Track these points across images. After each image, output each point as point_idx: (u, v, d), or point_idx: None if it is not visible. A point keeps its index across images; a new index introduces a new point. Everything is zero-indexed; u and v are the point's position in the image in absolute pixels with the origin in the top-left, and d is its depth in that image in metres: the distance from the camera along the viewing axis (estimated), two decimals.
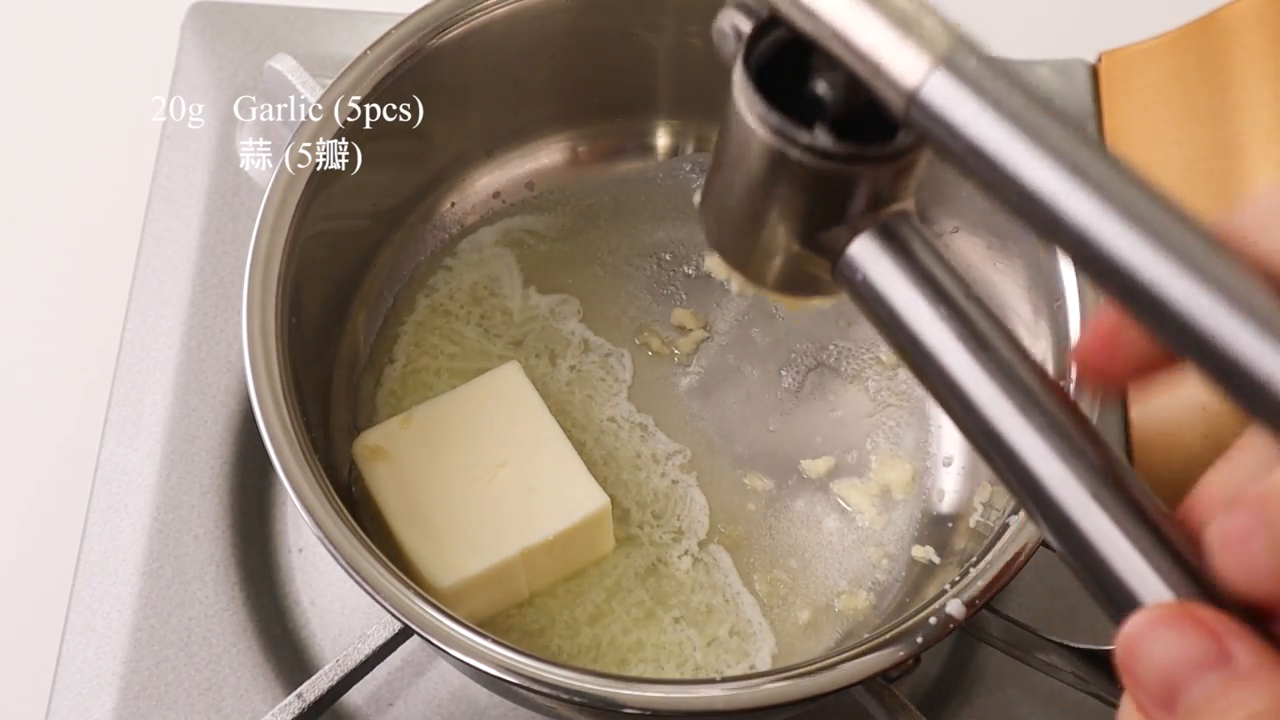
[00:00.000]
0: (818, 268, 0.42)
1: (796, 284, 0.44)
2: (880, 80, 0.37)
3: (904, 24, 0.36)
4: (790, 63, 0.40)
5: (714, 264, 0.46)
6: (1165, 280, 0.32)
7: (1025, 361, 0.38)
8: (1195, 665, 0.32)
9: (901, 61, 0.36)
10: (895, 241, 0.40)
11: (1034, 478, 0.36)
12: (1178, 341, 0.32)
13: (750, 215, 0.42)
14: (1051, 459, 0.36)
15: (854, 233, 0.40)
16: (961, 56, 0.36)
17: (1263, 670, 0.31)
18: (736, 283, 0.45)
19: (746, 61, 0.40)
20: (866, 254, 0.40)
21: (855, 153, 0.39)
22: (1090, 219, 0.33)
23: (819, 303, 0.45)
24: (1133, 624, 0.33)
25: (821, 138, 0.39)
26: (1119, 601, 0.34)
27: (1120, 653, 0.33)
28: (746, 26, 0.40)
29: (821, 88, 0.40)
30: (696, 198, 0.46)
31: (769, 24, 0.40)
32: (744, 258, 0.44)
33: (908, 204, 0.41)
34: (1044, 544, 0.55)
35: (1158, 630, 0.33)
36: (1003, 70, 0.36)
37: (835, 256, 0.41)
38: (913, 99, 0.36)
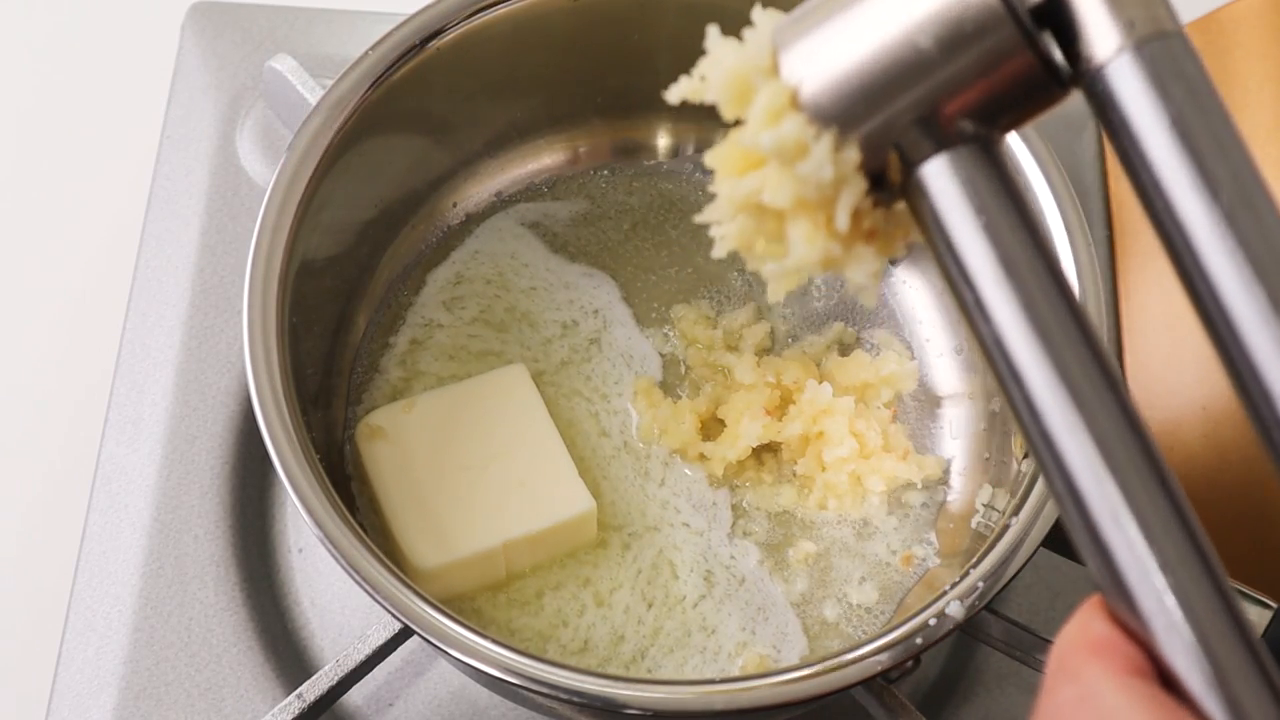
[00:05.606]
0: (891, 172, 0.39)
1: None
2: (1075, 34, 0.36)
3: None
4: None
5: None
6: None
7: (1078, 337, 0.37)
8: None
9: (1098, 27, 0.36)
10: (971, 173, 0.38)
11: (1081, 497, 0.36)
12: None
13: (883, 68, 0.38)
14: (1101, 471, 0.36)
15: (938, 147, 0.38)
16: (1158, 46, 0.36)
17: None
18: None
19: None
20: (939, 176, 0.38)
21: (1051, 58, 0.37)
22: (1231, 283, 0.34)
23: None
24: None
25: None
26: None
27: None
28: None
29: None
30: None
31: None
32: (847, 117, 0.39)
33: (1003, 137, 0.39)
34: (1044, 544, 0.55)
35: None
36: (1197, 75, 0.35)
37: (912, 165, 0.39)
38: (1096, 73, 0.36)
